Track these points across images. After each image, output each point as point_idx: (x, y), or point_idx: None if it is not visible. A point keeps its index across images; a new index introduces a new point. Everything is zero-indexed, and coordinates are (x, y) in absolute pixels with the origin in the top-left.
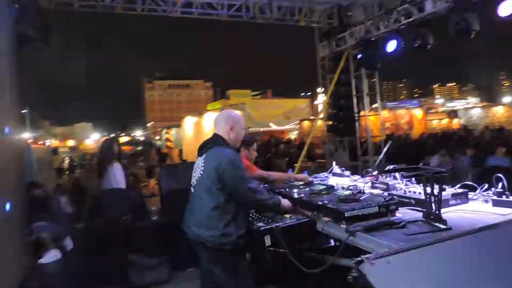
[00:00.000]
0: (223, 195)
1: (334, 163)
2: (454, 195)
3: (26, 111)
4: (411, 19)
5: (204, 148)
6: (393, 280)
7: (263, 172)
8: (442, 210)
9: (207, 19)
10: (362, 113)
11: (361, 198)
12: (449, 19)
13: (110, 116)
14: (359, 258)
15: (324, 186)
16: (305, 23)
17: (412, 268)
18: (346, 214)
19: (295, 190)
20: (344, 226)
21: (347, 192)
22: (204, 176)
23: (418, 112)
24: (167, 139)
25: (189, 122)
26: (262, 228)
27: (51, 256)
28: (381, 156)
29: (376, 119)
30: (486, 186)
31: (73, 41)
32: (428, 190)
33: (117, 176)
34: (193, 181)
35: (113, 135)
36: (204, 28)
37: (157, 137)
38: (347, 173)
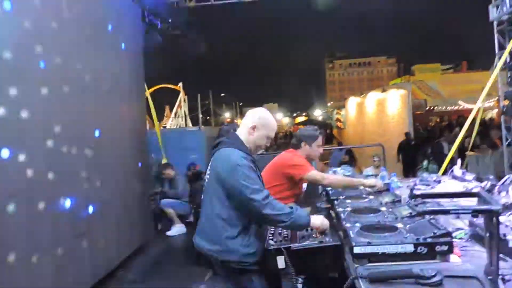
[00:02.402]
0: (229, 204)
1: (458, 162)
2: None
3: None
4: None
5: (215, 147)
6: None
7: (316, 173)
8: None
9: None
10: None
11: (404, 226)
12: None
13: (293, 96)
14: None
15: (392, 199)
16: None
17: None
18: (355, 250)
19: (349, 201)
20: (356, 265)
21: (406, 212)
22: (210, 180)
23: None
24: (338, 120)
25: (352, 102)
26: (271, 248)
27: (177, 230)
28: None
29: None
30: None
31: (254, 29)
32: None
33: None
34: (205, 184)
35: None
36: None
37: None
38: (470, 177)
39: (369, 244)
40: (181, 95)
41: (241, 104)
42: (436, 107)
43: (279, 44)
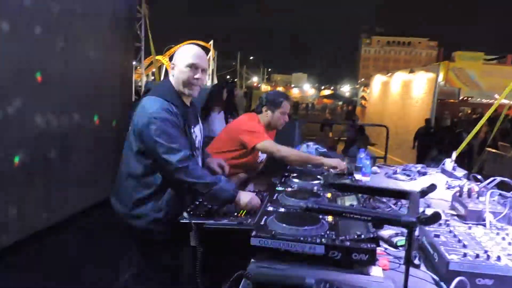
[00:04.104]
0: (143, 162)
1: (453, 154)
2: None
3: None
4: None
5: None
6: None
7: (272, 145)
8: None
9: None
10: None
11: (333, 220)
12: None
13: (324, 68)
14: None
15: (347, 183)
16: None
17: None
18: (252, 242)
19: (297, 180)
20: (252, 260)
21: (349, 203)
22: (128, 133)
23: None
24: (363, 97)
25: (377, 80)
26: (182, 221)
27: None
28: None
29: None
30: None
31: None
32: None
33: (213, 125)
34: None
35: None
36: None
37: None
38: (461, 173)
39: (271, 237)
40: (211, 53)
41: (269, 70)
42: (470, 98)
43: (315, 13)
